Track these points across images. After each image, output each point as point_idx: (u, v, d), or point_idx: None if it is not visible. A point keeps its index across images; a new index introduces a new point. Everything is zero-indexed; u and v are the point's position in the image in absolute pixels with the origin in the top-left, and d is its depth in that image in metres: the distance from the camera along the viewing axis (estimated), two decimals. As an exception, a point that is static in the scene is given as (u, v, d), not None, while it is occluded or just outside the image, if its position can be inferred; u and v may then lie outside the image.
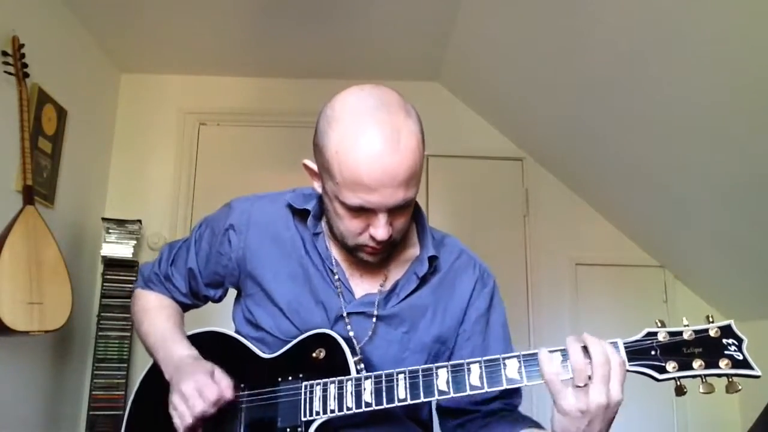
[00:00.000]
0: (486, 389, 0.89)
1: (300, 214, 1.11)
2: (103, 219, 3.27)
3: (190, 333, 1.17)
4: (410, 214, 1.02)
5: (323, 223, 1.10)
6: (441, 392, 0.91)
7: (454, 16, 2.99)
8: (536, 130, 3.45)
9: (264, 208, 1.13)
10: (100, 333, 3.09)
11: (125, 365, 3.08)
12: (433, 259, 1.08)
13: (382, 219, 0.93)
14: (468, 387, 0.90)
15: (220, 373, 1.01)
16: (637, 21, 2.20)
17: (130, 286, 3.10)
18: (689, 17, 2.01)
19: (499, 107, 3.55)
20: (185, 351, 1.08)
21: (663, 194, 2.95)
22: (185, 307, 1.25)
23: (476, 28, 3.01)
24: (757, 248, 2.69)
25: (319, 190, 1.03)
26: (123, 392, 3.05)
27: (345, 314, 1.05)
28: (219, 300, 1.24)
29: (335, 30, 3.19)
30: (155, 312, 1.20)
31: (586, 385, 0.82)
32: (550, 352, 0.86)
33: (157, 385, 1.08)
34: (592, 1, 2.29)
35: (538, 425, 1.02)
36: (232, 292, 1.23)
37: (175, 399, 0.99)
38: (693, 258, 3.24)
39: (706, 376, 0.85)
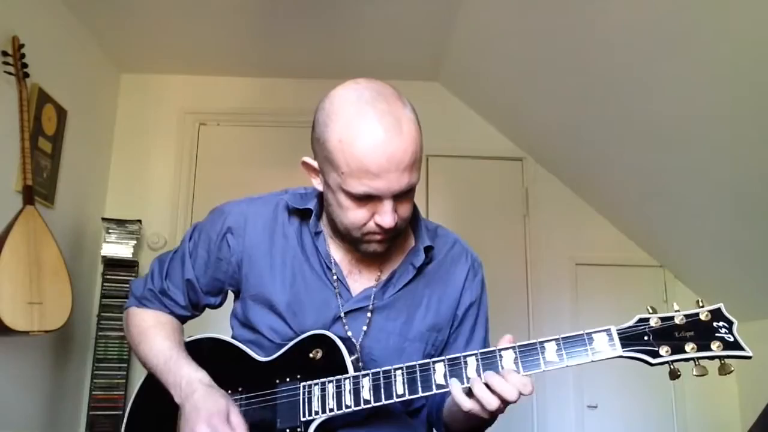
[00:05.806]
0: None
1: (299, 215, 1.11)
2: (103, 219, 3.27)
3: (187, 340, 1.15)
4: (412, 202, 1.03)
5: (322, 223, 1.10)
6: (439, 386, 0.92)
7: (454, 16, 2.99)
8: (536, 130, 3.45)
9: (259, 210, 1.13)
10: (100, 333, 3.10)
11: (125, 365, 3.09)
12: (429, 249, 1.09)
13: (387, 205, 0.95)
14: (465, 380, 0.91)
15: (235, 416, 0.98)
16: (637, 20, 2.20)
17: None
18: (691, 17, 2.01)
19: (499, 107, 3.55)
20: (193, 374, 1.04)
21: (663, 194, 2.95)
22: (184, 320, 1.21)
23: (476, 29, 3.00)
24: (757, 248, 2.68)
25: (319, 187, 1.04)
26: (123, 392, 3.05)
27: (342, 314, 1.06)
28: (219, 306, 1.21)
29: (335, 30, 3.19)
30: (153, 331, 1.14)
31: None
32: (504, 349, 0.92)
33: (158, 390, 1.08)
34: (593, 2, 2.29)
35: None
36: (230, 298, 1.22)
37: None
38: (693, 258, 3.24)
39: (698, 359, 0.86)
